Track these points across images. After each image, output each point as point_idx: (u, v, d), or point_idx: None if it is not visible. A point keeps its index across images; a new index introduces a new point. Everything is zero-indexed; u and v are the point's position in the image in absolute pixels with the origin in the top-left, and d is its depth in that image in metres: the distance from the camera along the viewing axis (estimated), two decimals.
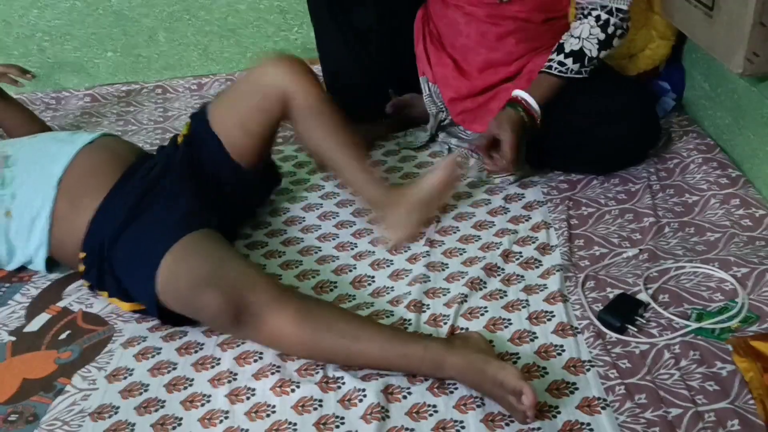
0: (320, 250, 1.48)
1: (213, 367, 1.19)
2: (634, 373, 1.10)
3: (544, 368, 1.13)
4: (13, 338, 1.30)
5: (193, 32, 2.31)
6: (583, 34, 1.47)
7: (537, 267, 1.35)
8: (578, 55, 1.46)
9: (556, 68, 1.47)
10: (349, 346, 1.12)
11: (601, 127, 1.50)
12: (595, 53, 1.47)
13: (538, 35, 1.59)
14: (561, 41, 1.49)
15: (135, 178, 1.38)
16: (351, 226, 1.55)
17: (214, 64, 2.36)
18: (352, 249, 1.47)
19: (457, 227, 1.50)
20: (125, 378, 1.19)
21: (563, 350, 1.16)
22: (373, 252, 1.46)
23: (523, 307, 1.25)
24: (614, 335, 1.17)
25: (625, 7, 1.47)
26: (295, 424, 1.07)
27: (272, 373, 1.15)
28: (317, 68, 2.25)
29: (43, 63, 2.29)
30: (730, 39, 1.39)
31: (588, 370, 1.11)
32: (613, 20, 1.46)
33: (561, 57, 1.47)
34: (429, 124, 1.79)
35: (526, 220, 1.49)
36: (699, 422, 1.00)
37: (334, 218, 1.58)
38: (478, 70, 1.62)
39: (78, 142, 1.43)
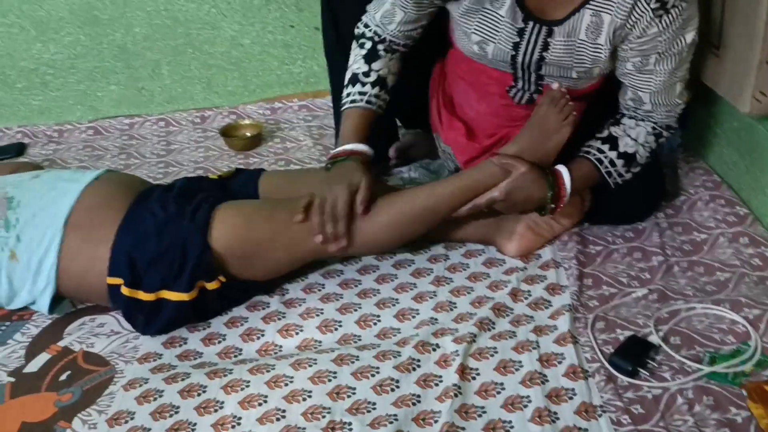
0: (323, 288, 1.46)
1: (216, 411, 1.16)
2: (647, 418, 1.08)
3: (555, 413, 1.10)
4: (12, 379, 1.27)
5: (196, 66, 2.31)
6: (640, 139, 1.40)
7: (547, 308, 1.33)
8: (629, 158, 1.40)
9: (605, 167, 1.40)
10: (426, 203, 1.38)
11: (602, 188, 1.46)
12: (643, 161, 1.42)
13: None
14: (613, 134, 1.41)
15: (153, 197, 1.41)
16: (356, 263, 1.53)
17: (218, 97, 2.36)
18: (356, 286, 1.46)
19: (467, 264, 1.48)
20: (126, 422, 1.15)
21: (574, 394, 1.14)
22: (378, 291, 1.44)
23: (534, 348, 1.23)
24: (626, 379, 1.15)
25: (676, 125, 1.43)
26: None
27: (277, 419, 1.13)
28: (321, 101, 2.29)
29: (46, 96, 2.29)
30: (737, 78, 1.39)
31: (600, 415, 1.09)
32: (665, 134, 1.42)
33: (613, 154, 1.40)
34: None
35: (536, 258, 1.47)
36: None
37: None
38: (487, 137, 1.55)
39: (82, 180, 1.42)
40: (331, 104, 1.85)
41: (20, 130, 2.29)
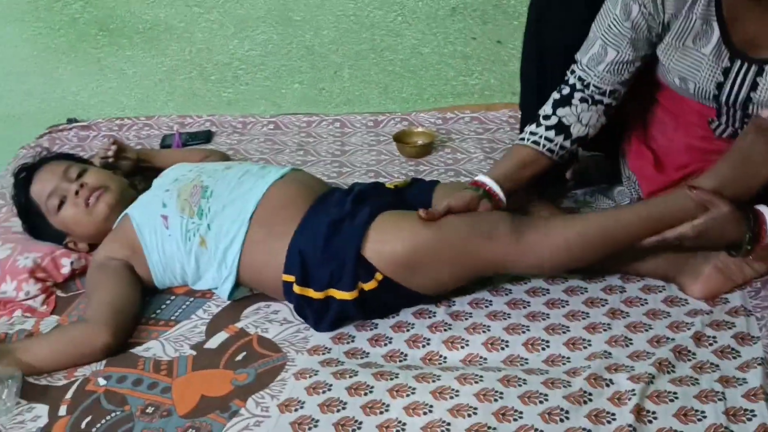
0: (491, 304, 1.44)
1: (382, 413, 1.18)
2: None
3: None
4: (194, 353, 1.36)
5: (376, 71, 2.38)
6: None
7: (734, 357, 1.24)
8: None
9: None
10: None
11: None
12: None
13: None
14: None
15: (332, 199, 1.48)
16: (525, 284, 1.50)
17: (392, 102, 2.42)
18: (525, 308, 1.42)
19: (645, 299, 1.41)
20: (296, 410, 1.20)
21: None
22: (548, 315, 1.40)
23: (719, 399, 1.15)
24: None
25: None
26: None
27: (442, 431, 1.12)
28: (494, 114, 2.27)
29: (236, 89, 2.44)
30: None
31: None
32: None
33: None
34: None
35: (723, 302, 1.37)
36: None
37: None
38: (676, 170, 1.47)
39: (269, 177, 1.51)
40: (515, 119, 1.83)
41: (209, 119, 2.44)
